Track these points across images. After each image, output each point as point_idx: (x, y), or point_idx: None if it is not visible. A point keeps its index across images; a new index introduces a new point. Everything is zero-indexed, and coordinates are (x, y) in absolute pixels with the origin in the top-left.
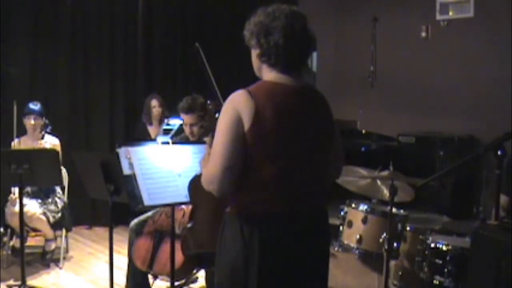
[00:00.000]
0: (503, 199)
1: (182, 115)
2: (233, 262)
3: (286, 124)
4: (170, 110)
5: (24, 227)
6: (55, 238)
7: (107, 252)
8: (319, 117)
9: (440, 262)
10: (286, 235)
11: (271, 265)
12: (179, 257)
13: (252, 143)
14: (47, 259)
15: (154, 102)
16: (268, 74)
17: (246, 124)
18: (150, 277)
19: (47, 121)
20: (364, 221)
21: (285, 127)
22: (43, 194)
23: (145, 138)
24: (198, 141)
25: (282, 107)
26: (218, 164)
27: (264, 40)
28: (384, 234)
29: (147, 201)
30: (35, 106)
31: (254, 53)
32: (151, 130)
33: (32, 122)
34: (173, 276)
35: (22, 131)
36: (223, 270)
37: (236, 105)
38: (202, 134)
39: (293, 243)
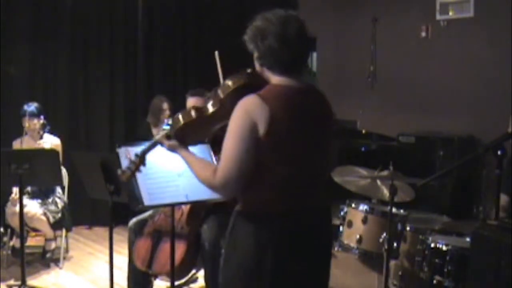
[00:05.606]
0: (503, 198)
1: (189, 98)
2: (246, 262)
3: (298, 125)
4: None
5: (24, 227)
6: (55, 238)
7: (107, 252)
8: (323, 116)
9: (440, 262)
10: (298, 234)
11: (284, 265)
12: (178, 256)
13: (268, 147)
14: (47, 259)
15: (166, 106)
16: (272, 78)
17: (262, 130)
18: None
19: (45, 121)
20: (364, 221)
21: (297, 129)
22: (43, 194)
23: (148, 138)
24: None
25: (293, 109)
26: (232, 170)
27: (261, 43)
28: (384, 234)
29: (147, 201)
30: (28, 107)
31: (254, 56)
32: (155, 131)
33: (27, 123)
34: (173, 276)
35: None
36: (234, 269)
37: (250, 111)
38: None
39: (304, 243)
